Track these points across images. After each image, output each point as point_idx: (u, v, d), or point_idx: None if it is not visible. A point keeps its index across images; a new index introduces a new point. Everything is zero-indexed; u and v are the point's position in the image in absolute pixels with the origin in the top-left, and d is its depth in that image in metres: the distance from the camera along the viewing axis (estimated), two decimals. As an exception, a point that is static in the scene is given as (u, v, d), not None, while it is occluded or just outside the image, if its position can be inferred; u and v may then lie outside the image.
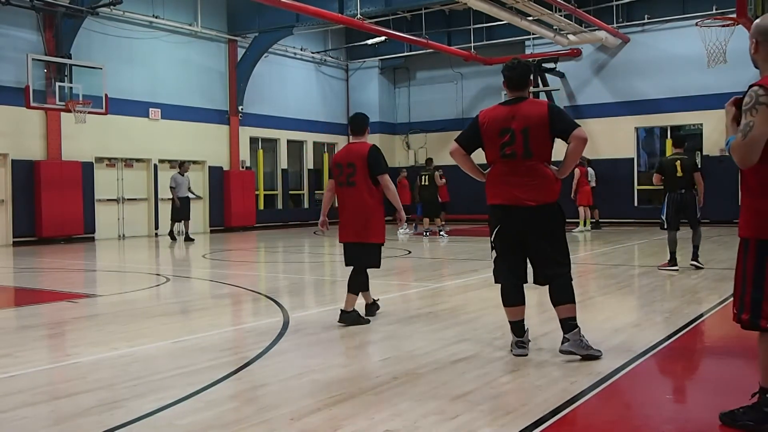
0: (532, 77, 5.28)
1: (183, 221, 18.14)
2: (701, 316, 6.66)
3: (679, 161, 9.84)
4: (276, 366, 4.93)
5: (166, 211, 20.75)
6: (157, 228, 20.44)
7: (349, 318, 6.33)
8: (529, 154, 4.99)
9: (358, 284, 6.44)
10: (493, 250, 5.10)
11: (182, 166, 18.26)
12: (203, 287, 9.76)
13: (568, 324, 4.91)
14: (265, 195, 24.18)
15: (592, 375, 4.46)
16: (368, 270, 6.52)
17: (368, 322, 6.46)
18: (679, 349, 5.35)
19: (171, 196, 18.04)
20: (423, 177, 18.32)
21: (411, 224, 20.35)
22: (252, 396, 4.29)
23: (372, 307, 6.79)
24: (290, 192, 25.18)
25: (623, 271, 10.50)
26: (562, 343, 4.94)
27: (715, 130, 19.90)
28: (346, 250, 6.51)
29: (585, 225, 19.01)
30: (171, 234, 18.30)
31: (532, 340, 5.25)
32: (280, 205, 24.76)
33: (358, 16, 19.06)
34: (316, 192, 26.26)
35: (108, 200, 19.44)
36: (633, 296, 8.30)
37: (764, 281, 3.29)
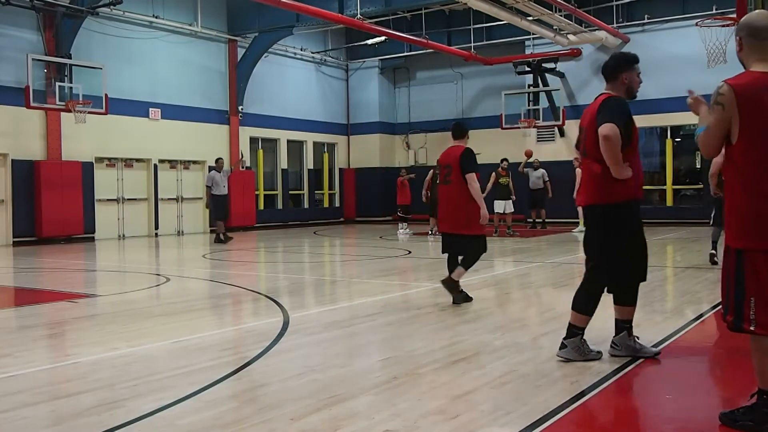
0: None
1: (222, 220, 17.19)
2: (701, 316, 6.66)
3: None
4: (276, 366, 4.93)
5: (166, 211, 20.83)
6: (157, 228, 20.44)
7: (450, 284, 7.32)
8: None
9: (466, 263, 7.29)
10: (611, 253, 4.73)
11: (218, 162, 17.23)
12: (203, 287, 9.76)
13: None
14: (265, 195, 24.19)
15: (592, 375, 4.46)
16: (475, 256, 7.35)
17: (471, 298, 7.40)
18: (679, 349, 5.35)
19: (206, 196, 17.06)
20: (435, 176, 18.29)
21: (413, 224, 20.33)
22: (252, 396, 4.29)
23: (456, 288, 7.44)
24: (290, 192, 25.18)
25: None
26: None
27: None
28: (444, 239, 7.47)
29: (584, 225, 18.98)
30: (218, 236, 17.11)
31: (533, 340, 5.25)
32: (280, 205, 24.76)
33: (358, 16, 19.05)
34: (316, 192, 26.28)
35: (108, 200, 19.44)
36: (633, 296, 8.27)
37: (745, 284, 3.30)
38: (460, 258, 7.42)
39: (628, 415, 3.84)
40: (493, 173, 17.98)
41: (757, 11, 3.59)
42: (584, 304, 4.81)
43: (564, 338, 4.87)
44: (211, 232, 21.43)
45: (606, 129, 4.45)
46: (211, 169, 20.75)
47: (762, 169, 3.28)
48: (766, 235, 3.25)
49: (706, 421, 3.61)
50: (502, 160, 18.20)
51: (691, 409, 3.98)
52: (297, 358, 5.19)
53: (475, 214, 7.16)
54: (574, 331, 4.83)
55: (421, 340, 5.71)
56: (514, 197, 18.06)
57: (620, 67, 4.79)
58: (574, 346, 4.81)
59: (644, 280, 4.87)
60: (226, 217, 17.58)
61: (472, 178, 7.14)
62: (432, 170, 18.69)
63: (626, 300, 4.87)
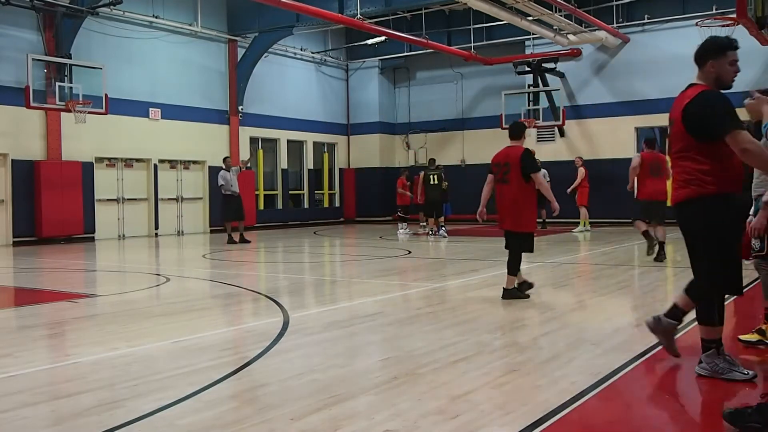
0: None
1: (237, 222, 16.70)
2: (701, 316, 6.65)
3: None
4: (276, 366, 4.93)
5: (166, 211, 20.82)
6: (157, 228, 20.44)
7: (509, 294, 7.50)
8: None
9: (512, 265, 7.54)
10: (713, 253, 4.24)
11: (226, 161, 16.82)
12: (203, 287, 9.76)
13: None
14: (265, 195, 24.19)
15: (592, 375, 4.45)
16: (522, 254, 7.63)
17: (527, 296, 7.56)
18: (679, 349, 5.35)
19: (221, 196, 16.64)
20: (431, 176, 18.32)
21: (414, 224, 20.33)
22: (252, 396, 4.29)
23: (523, 286, 7.66)
24: (290, 192, 25.18)
25: (623, 271, 10.50)
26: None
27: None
28: (506, 237, 7.72)
29: (585, 225, 19.00)
30: (230, 238, 16.58)
31: (533, 340, 5.25)
32: (280, 205, 24.76)
33: (358, 16, 19.05)
34: (316, 192, 26.28)
35: (108, 200, 19.43)
36: (633, 296, 8.29)
37: None
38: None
39: (627, 415, 3.83)
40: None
41: None
42: (706, 313, 4.36)
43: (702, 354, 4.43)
44: (212, 232, 21.46)
45: (741, 143, 3.93)
46: (215, 169, 20.74)
47: None
48: None
49: (706, 421, 3.60)
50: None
51: (691, 409, 3.98)
52: (297, 358, 5.19)
53: (531, 212, 7.53)
54: (707, 345, 4.37)
55: (421, 340, 5.71)
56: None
57: (707, 54, 4.32)
58: (710, 361, 4.33)
59: (740, 293, 4.37)
60: (242, 217, 16.98)
61: (538, 177, 7.46)
62: (423, 171, 18.85)
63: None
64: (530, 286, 7.74)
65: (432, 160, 19.46)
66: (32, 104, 16.05)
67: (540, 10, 18.89)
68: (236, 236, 16.69)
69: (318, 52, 25.76)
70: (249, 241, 16.77)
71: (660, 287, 8.76)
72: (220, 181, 16.44)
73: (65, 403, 4.14)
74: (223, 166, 16.70)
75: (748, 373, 4.22)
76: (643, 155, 11.22)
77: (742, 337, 5.09)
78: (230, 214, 16.69)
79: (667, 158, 12.40)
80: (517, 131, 7.75)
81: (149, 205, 20.40)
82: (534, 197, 7.54)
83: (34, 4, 16.70)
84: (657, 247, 11.18)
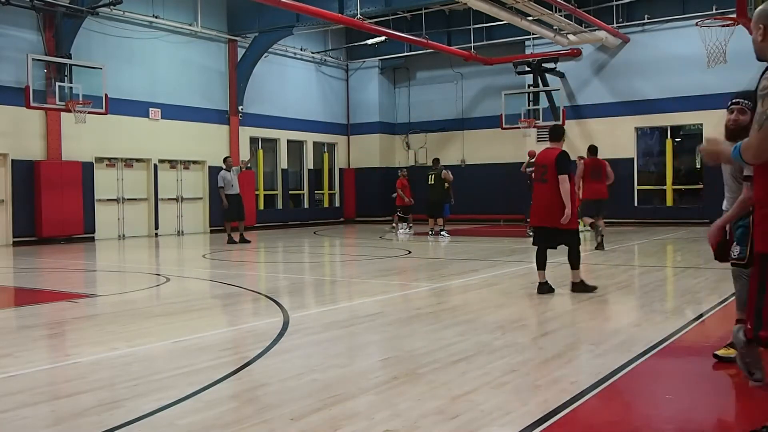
0: None
1: (237, 222, 16.74)
2: (701, 316, 6.66)
3: None
4: (276, 366, 4.93)
5: (166, 211, 20.82)
6: (157, 228, 20.44)
7: (578, 288, 7.90)
8: None
9: (573, 261, 7.93)
10: None
11: (226, 161, 16.77)
12: (203, 287, 9.76)
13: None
14: (265, 195, 24.18)
15: (592, 375, 4.46)
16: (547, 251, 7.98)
17: (595, 288, 8.02)
18: (679, 349, 5.35)
19: (220, 197, 16.57)
20: (429, 176, 18.32)
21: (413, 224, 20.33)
22: (252, 396, 4.29)
23: (579, 286, 7.96)
24: (290, 192, 25.18)
25: (623, 271, 10.50)
26: None
27: (714, 131, 19.86)
28: (537, 233, 8.12)
29: (585, 225, 18.99)
30: (230, 238, 16.59)
31: (533, 340, 5.25)
32: (280, 205, 24.76)
33: (358, 16, 19.05)
34: (316, 192, 26.28)
35: (108, 200, 19.43)
36: (633, 296, 8.29)
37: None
38: (557, 254, 8.11)
39: (627, 416, 3.83)
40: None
41: None
42: None
43: None
44: (212, 232, 21.46)
45: None
46: (215, 169, 20.69)
47: None
48: None
49: (706, 421, 3.60)
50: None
51: (691, 409, 3.98)
52: (297, 358, 5.19)
53: (570, 211, 7.81)
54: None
55: (421, 340, 5.71)
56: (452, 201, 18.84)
57: None
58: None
59: None
60: (243, 217, 17.02)
61: (564, 179, 7.75)
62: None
63: None
64: (585, 285, 8.08)
65: (435, 160, 19.36)
66: (32, 104, 16.05)
67: (540, 10, 18.89)
68: (236, 236, 16.69)
69: (318, 52, 25.76)
70: (249, 241, 16.77)
71: (659, 287, 8.76)
72: (220, 182, 16.45)
73: (65, 403, 4.14)
74: (224, 167, 16.70)
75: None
76: (585, 161, 13.47)
77: (718, 352, 4.87)
78: (230, 214, 16.68)
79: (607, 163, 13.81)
80: (554, 134, 8.16)
81: (149, 205, 20.40)
82: (573, 196, 7.88)
83: (34, 4, 16.70)
84: (600, 238, 13.30)
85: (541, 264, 8.00)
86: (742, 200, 3.99)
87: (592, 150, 13.57)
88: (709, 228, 4.28)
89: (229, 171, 16.55)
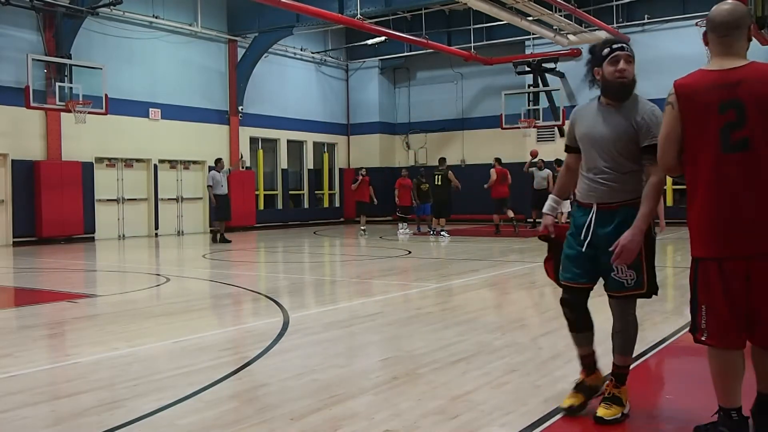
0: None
1: (221, 221, 17.24)
2: (701, 316, 6.64)
3: None
4: (276, 366, 4.93)
5: (166, 211, 20.82)
6: (157, 228, 20.44)
7: None
8: None
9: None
10: None
11: (218, 163, 17.26)
12: (203, 287, 9.76)
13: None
14: (265, 195, 24.18)
15: (592, 375, 4.44)
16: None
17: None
18: (679, 349, 5.35)
19: (209, 195, 17.11)
20: (436, 177, 18.29)
21: (413, 225, 20.32)
22: (252, 396, 4.29)
23: None
24: (290, 192, 25.18)
25: (623, 271, 10.47)
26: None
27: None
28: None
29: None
30: (214, 236, 17.30)
31: (533, 340, 5.25)
32: (280, 205, 24.76)
33: (358, 16, 19.04)
34: (316, 192, 26.27)
35: (108, 200, 19.43)
36: (633, 296, 8.28)
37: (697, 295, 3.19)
38: None
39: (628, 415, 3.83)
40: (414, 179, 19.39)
41: (720, 3, 3.25)
42: None
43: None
44: (211, 232, 21.45)
45: None
46: (210, 169, 20.73)
47: (690, 176, 3.13)
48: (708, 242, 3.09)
49: (706, 421, 3.60)
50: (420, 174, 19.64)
51: (691, 409, 3.98)
52: (297, 358, 5.19)
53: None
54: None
55: (421, 340, 5.71)
56: (431, 201, 18.94)
57: None
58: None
59: None
60: (228, 217, 17.54)
61: None
62: (418, 177, 19.16)
63: None
64: None
65: (442, 160, 19.20)
66: (32, 104, 16.04)
67: (540, 10, 18.88)
68: (220, 234, 17.06)
69: (318, 52, 25.76)
70: (230, 241, 17.07)
71: (659, 287, 8.74)
72: (209, 181, 16.93)
73: (65, 403, 4.14)
74: (215, 167, 17.14)
75: None
76: (496, 170, 17.81)
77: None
78: (217, 214, 17.18)
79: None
80: None
81: (149, 205, 20.40)
82: None
83: (34, 4, 16.69)
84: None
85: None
86: None
87: (500, 161, 17.26)
88: None
89: (219, 172, 16.98)
